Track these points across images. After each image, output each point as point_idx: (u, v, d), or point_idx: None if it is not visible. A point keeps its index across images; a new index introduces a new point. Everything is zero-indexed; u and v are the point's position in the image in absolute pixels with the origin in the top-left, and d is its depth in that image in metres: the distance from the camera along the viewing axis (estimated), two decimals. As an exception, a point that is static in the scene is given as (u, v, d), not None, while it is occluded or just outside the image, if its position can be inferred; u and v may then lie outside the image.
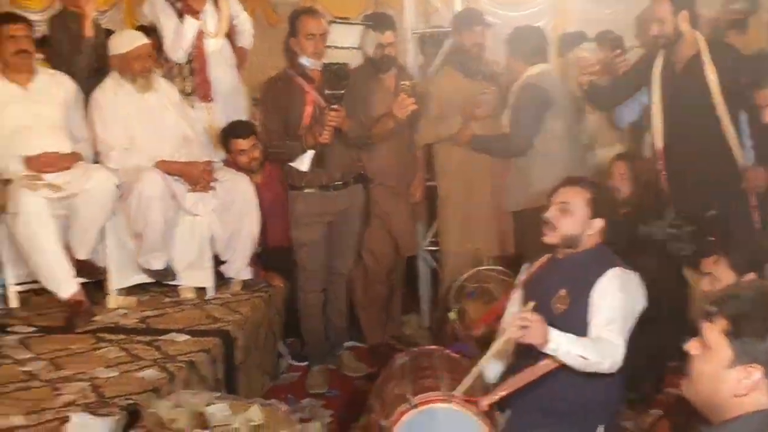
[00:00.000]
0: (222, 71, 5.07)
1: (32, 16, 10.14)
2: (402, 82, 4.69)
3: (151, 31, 4.96)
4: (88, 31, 4.75)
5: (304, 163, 4.42)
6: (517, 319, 2.73)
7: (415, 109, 4.52)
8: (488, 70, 4.90)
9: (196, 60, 4.98)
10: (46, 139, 4.39)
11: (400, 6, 5.66)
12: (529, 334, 2.71)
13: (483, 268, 4.63)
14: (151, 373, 3.47)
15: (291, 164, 4.46)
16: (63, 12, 5.01)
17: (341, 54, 4.26)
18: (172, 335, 3.96)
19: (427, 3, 5.79)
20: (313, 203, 4.52)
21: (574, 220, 3.10)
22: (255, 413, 2.83)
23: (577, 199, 3.12)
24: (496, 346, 2.83)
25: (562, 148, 4.57)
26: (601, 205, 3.13)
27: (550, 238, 3.13)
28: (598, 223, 3.12)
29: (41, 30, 10.17)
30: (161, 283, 4.66)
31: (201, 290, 4.68)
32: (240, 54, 5.23)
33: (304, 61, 4.37)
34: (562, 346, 2.75)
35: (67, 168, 4.35)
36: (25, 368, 3.55)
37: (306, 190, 4.51)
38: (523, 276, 3.40)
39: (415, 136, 4.97)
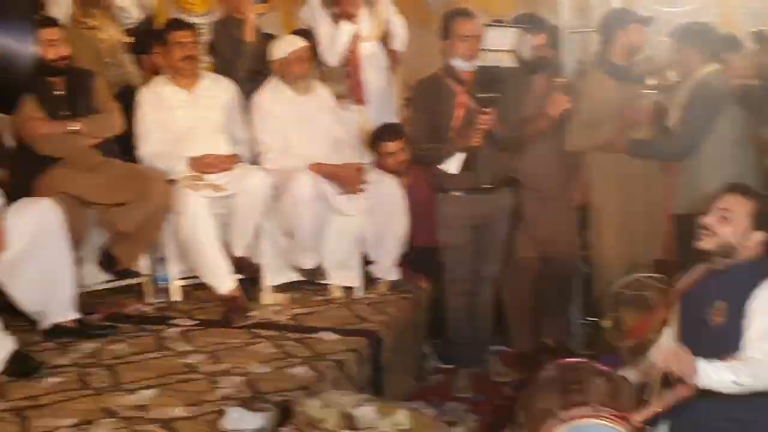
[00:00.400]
0: (375, 74, 5.15)
1: (195, 20, 10.70)
2: (556, 80, 4.59)
3: (308, 34, 5.10)
4: (249, 36, 4.94)
5: (453, 165, 4.40)
6: (665, 353, 2.67)
7: (568, 108, 4.43)
8: (644, 72, 4.72)
9: (350, 63, 5.08)
10: (209, 141, 4.62)
11: (554, 3, 5.55)
12: (677, 368, 2.64)
13: (640, 275, 4.47)
14: (302, 371, 3.57)
15: (439, 167, 4.46)
16: (225, 18, 5.22)
17: (494, 56, 4.20)
18: (322, 334, 4.06)
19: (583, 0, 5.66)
20: (461, 206, 4.50)
21: (732, 230, 2.97)
22: (403, 417, 2.86)
23: (739, 209, 2.98)
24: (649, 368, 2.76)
25: (734, 151, 4.33)
26: (765, 218, 2.99)
27: (705, 243, 3.00)
28: (759, 236, 2.97)
29: (203, 33, 10.64)
30: (312, 281, 4.78)
31: (349, 289, 4.77)
32: (393, 57, 5.30)
33: (456, 62, 4.35)
34: (712, 378, 2.66)
35: (228, 169, 4.56)
36: (186, 360, 3.73)
37: (454, 193, 4.49)
38: (679, 286, 3.27)
39: (565, 144, 4.86)
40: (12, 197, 4.14)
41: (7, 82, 4.19)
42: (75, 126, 4.31)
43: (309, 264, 4.64)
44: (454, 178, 4.44)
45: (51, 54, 4.32)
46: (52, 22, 4.45)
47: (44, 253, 3.76)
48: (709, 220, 3.00)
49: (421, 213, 4.82)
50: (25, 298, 3.76)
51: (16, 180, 4.26)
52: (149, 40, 5.14)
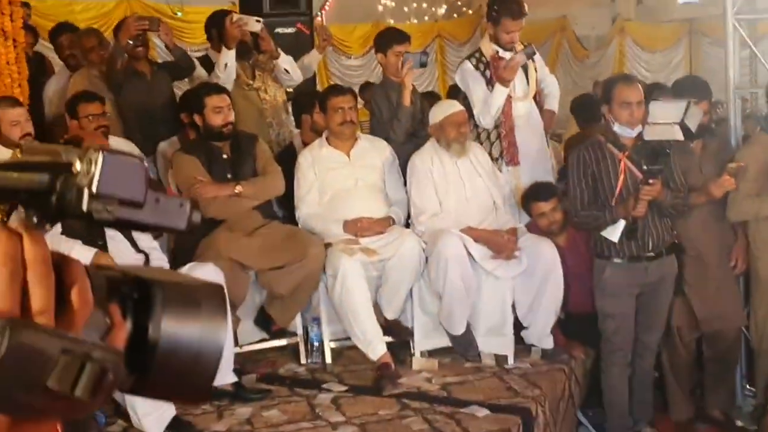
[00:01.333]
0: (529, 134, 5.07)
1: (352, 62, 10.99)
2: (729, 165, 4.37)
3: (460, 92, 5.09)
4: (407, 101, 4.96)
5: (614, 233, 4.26)
6: None
7: (733, 188, 4.24)
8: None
9: (504, 124, 5.02)
10: (365, 202, 4.67)
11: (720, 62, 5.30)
12: None
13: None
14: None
15: (600, 233, 4.33)
16: (384, 80, 5.27)
17: (660, 129, 4.06)
18: (473, 408, 3.98)
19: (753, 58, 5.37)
20: (623, 274, 4.34)
21: None
22: None
23: None
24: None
25: None
26: None
27: None
28: None
29: (358, 74, 10.85)
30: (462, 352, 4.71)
31: (501, 357, 4.67)
32: (547, 116, 5.19)
33: (618, 129, 4.22)
34: None
35: (382, 232, 4.59)
36: (338, 432, 3.76)
37: (615, 260, 4.34)
38: None
39: (728, 212, 4.61)
40: (176, 259, 4.33)
41: None
42: (239, 189, 4.45)
43: (457, 329, 4.58)
44: (614, 245, 4.29)
45: (217, 120, 4.49)
46: (219, 90, 4.62)
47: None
48: None
49: (577, 278, 4.68)
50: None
51: (180, 241, 4.44)
52: (309, 101, 5.26)
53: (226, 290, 0.75)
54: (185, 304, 0.76)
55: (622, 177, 4.23)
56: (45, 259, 0.70)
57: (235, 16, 5.19)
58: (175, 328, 0.76)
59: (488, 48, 5.06)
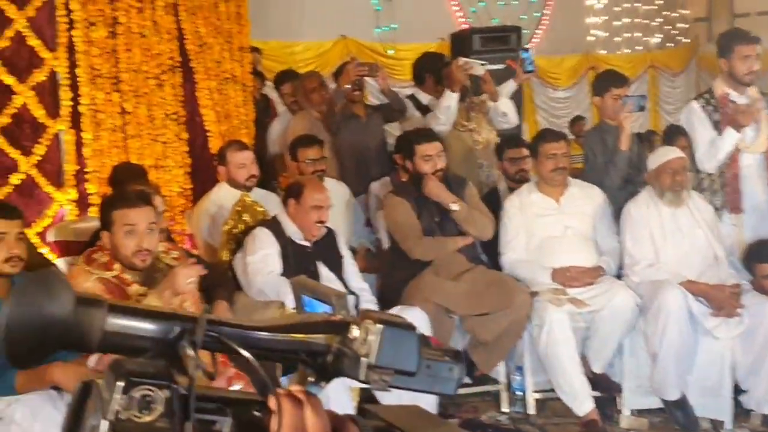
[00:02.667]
0: (757, 185, 4.75)
1: (559, 94, 10.82)
2: None
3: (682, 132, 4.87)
4: (624, 145, 4.80)
5: None
6: None
7: None
8: None
9: (729, 172, 4.74)
10: (574, 251, 4.56)
11: None
12: None
13: None
14: None
15: None
16: (600, 124, 5.15)
17: None
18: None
19: None
20: None
21: None
22: None
23: None
24: None
25: None
26: None
27: None
28: None
29: (565, 107, 10.66)
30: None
31: (718, 422, 4.39)
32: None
33: None
34: None
35: (591, 283, 4.46)
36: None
37: None
38: None
39: None
40: (383, 299, 4.42)
41: None
42: (456, 206, 4.46)
43: (672, 394, 4.35)
44: None
45: (426, 168, 4.54)
46: (430, 137, 4.67)
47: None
48: None
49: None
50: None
51: (388, 283, 4.53)
52: (516, 145, 5.23)
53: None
54: None
55: None
56: (325, 430, 0.73)
57: (461, 60, 5.27)
58: None
59: (720, 88, 4.80)
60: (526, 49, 5.44)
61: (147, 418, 0.68)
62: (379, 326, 0.75)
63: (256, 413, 0.77)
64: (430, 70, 5.51)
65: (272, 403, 0.74)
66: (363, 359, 0.75)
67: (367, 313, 0.78)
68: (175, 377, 0.70)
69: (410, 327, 0.79)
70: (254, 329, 0.78)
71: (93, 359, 2.88)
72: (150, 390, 0.69)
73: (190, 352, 0.73)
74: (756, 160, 4.74)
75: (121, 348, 0.75)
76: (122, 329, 0.74)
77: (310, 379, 0.80)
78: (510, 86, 5.85)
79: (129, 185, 3.99)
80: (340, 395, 3.49)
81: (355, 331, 0.77)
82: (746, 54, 4.66)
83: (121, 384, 0.68)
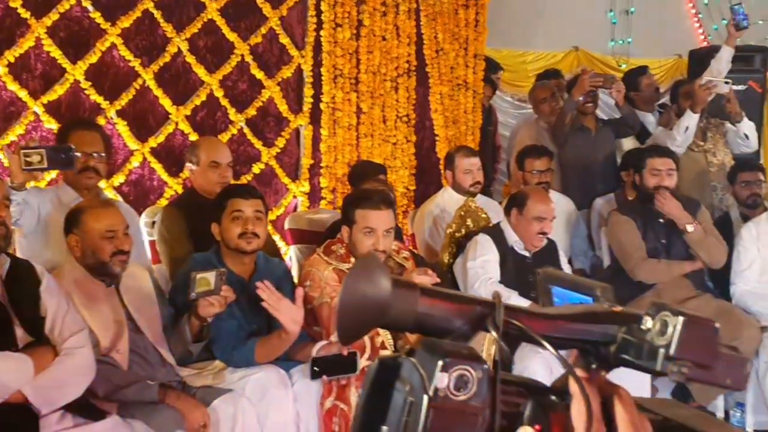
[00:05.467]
0: None
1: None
2: None
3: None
4: None
5: None
6: None
7: None
8: None
9: None
10: None
11: None
12: None
13: None
14: None
15: None
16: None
17: None
18: None
19: None
20: None
21: None
22: None
23: None
24: None
25: None
26: None
27: None
28: None
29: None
30: None
31: None
32: None
33: None
34: None
35: None
36: None
37: None
38: None
39: None
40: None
41: None
42: (691, 227, 4.31)
43: None
44: None
45: (654, 182, 4.41)
46: (663, 153, 4.53)
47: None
48: None
49: None
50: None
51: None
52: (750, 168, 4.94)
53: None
54: None
55: None
56: (634, 422, 0.76)
57: (705, 79, 5.06)
58: None
59: None
60: (738, 3, 5.06)
61: (462, 397, 0.73)
62: (681, 318, 0.77)
63: (554, 398, 0.80)
64: (684, 94, 5.35)
65: (574, 387, 0.77)
66: (661, 350, 0.77)
67: (662, 305, 0.80)
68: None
69: (709, 320, 0.80)
70: (547, 317, 0.82)
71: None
72: (466, 370, 0.73)
73: (495, 334, 0.77)
74: None
75: (430, 328, 0.80)
76: (432, 311, 0.80)
77: (593, 366, 0.82)
78: (727, 53, 5.41)
79: (367, 182, 4.15)
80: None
81: (648, 323, 0.78)
82: None
83: (441, 362, 0.73)
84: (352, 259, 3.35)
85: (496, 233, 4.16)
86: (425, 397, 0.72)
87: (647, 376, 3.99)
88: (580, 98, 5.16)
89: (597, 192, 5.19)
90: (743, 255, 4.43)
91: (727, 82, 5.05)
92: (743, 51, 5.97)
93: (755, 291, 4.36)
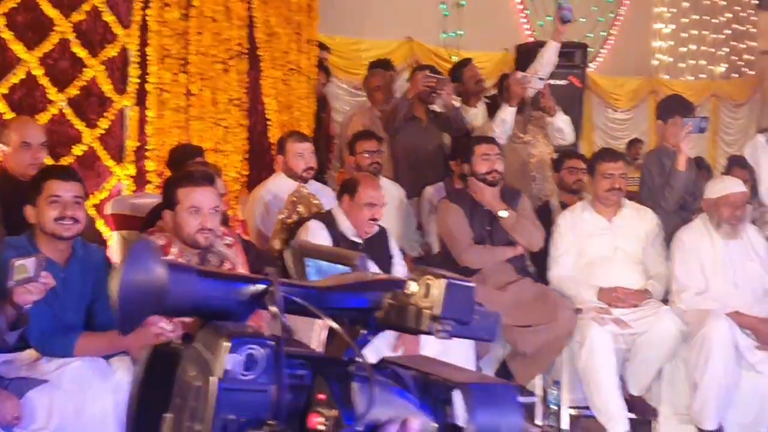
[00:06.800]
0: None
1: (618, 115, 10.74)
2: None
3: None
4: (681, 166, 4.78)
5: None
6: None
7: None
8: None
9: (791, 206, 4.69)
10: (622, 272, 4.54)
11: None
12: None
13: None
14: None
15: None
16: (659, 148, 5.12)
17: None
18: None
19: None
20: None
21: None
22: None
23: None
24: None
25: None
26: None
27: None
28: None
29: (623, 128, 10.57)
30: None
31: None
32: None
33: None
34: None
35: (637, 305, 4.43)
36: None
37: None
38: None
39: None
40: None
41: None
42: (504, 213, 4.47)
43: (710, 425, 4.29)
44: None
45: (484, 167, 4.57)
46: (489, 140, 4.71)
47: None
48: None
49: None
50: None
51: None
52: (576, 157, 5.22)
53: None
54: (489, 404, 0.84)
55: None
56: None
57: (519, 74, 5.27)
58: (480, 424, 0.83)
59: None
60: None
61: (251, 376, 0.72)
62: (443, 281, 0.81)
63: (336, 367, 0.82)
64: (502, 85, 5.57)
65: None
66: (426, 311, 0.81)
67: (424, 270, 0.84)
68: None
69: (467, 280, 0.85)
70: (320, 289, 0.83)
71: (166, 325, 2.93)
72: (253, 349, 0.73)
73: (275, 309, 0.77)
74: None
75: (211, 310, 0.79)
76: (210, 292, 0.79)
77: (363, 331, 0.85)
78: (553, 48, 5.70)
79: (187, 165, 4.06)
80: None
81: (412, 287, 0.82)
82: None
83: (228, 344, 0.72)
84: (174, 249, 3.26)
85: (328, 219, 4.18)
86: (214, 380, 0.71)
87: (472, 357, 4.15)
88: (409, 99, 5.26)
89: (427, 180, 5.32)
90: (559, 242, 4.66)
91: (541, 79, 5.28)
92: (565, 47, 6.27)
93: (570, 276, 4.59)
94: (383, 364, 0.88)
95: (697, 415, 4.28)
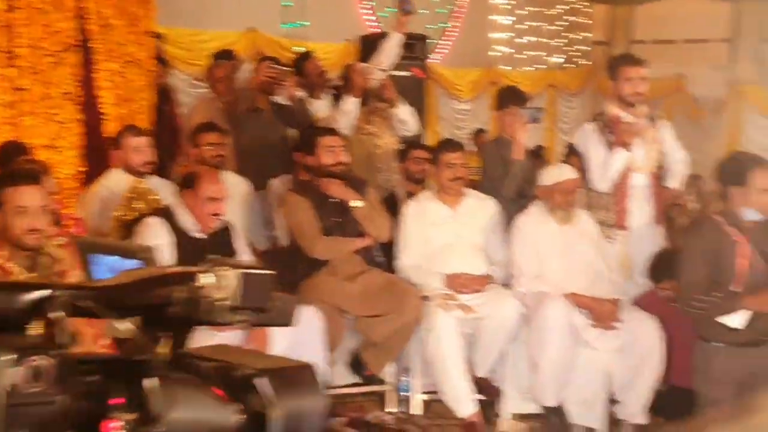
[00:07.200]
0: (641, 205, 4.96)
1: (462, 106, 11.02)
2: None
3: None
4: (518, 155, 4.95)
5: (737, 321, 4.08)
6: None
7: None
8: None
9: (619, 190, 4.93)
10: (466, 259, 4.66)
11: None
12: None
13: None
14: None
15: (717, 319, 4.14)
16: (497, 137, 5.28)
17: None
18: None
19: None
20: (731, 361, 4.15)
21: None
22: None
23: None
24: None
25: None
26: None
27: None
28: None
29: (467, 119, 10.84)
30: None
31: (591, 430, 4.55)
32: (664, 193, 5.05)
33: (747, 213, 4.07)
34: None
35: (481, 290, 4.57)
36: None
37: (723, 346, 4.15)
38: None
39: None
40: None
41: None
42: (357, 202, 4.50)
43: (550, 401, 4.48)
44: (725, 329, 4.11)
45: (329, 159, 4.58)
46: (333, 131, 4.73)
47: (301, 358, 3.95)
48: None
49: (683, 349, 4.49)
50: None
51: (284, 280, 4.51)
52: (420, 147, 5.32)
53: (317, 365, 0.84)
54: (289, 388, 0.84)
55: (744, 262, 4.07)
56: None
57: (360, 65, 5.30)
58: (284, 409, 0.84)
59: (611, 110, 5.00)
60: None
61: (38, 388, 0.70)
62: (237, 271, 0.81)
63: (128, 367, 0.80)
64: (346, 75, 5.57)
65: None
66: (221, 303, 0.80)
67: (216, 261, 0.83)
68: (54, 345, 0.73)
69: (262, 268, 0.85)
70: (108, 289, 0.81)
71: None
72: (38, 360, 0.70)
73: (58, 315, 0.75)
74: (643, 180, 4.95)
75: None
76: None
77: (158, 328, 0.83)
78: (395, 39, 5.78)
79: (12, 164, 3.86)
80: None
81: (203, 279, 0.81)
82: (631, 76, 4.88)
83: (11, 357, 0.69)
84: (3, 253, 3.09)
85: (167, 215, 4.05)
86: (3, 395, 0.68)
87: (321, 349, 4.15)
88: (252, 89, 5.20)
89: (273, 173, 5.27)
90: (405, 231, 4.74)
91: (382, 70, 5.35)
92: (407, 39, 6.36)
93: (417, 264, 4.68)
94: (183, 359, 0.86)
95: (538, 393, 4.47)
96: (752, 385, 4.19)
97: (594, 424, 4.54)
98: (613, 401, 4.60)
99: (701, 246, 4.16)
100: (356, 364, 4.66)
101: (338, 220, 4.60)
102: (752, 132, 12.18)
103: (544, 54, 11.95)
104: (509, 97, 5.22)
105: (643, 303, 4.72)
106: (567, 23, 12.23)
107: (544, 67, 11.90)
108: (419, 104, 7.08)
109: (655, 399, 4.58)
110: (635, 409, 4.56)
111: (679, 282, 4.31)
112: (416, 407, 4.68)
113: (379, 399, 4.76)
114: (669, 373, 4.56)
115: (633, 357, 4.48)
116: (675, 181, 5.12)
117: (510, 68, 11.23)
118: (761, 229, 4.07)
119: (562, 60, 12.29)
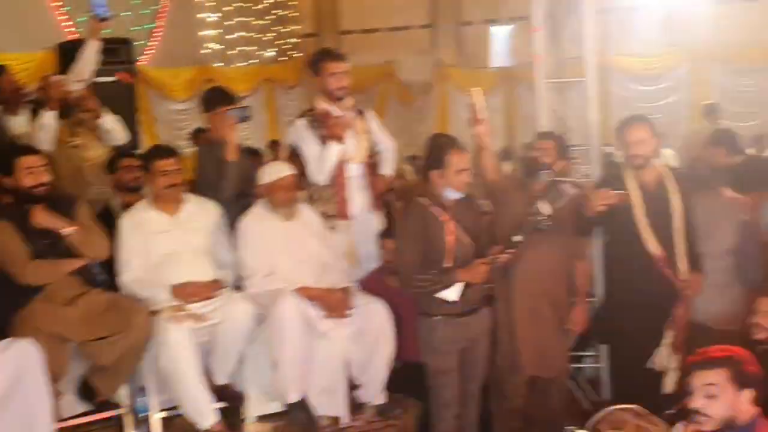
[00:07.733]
0: (358, 194, 5.12)
1: (178, 106, 10.78)
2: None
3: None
4: (231, 155, 4.89)
5: (453, 294, 4.32)
6: None
7: None
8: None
9: (336, 182, 5.05)
10: (192, 266, 4.55)
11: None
12: None
13: (617, 407, 4.34)
14: None
15: (437, 296, 4.35)
16: (209, 139, 5.19)
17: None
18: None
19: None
20: (452, 331, 4.42)
21: (724, 403, 2.98)
22: None
23: (718, 378, 2.99)
24: None
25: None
26: (743, 376, 3.00)
27: (706, 427, 2.97)
28: (748, 395, 2.99)
29: (184, 118, 10.60)
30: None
31: (335, 418, 4.64)
32: (378, 181, 5.24)
33: (448, 193, 4.33)
34: None
35: (211, 297, 4.48)
36: None
37: (442, 317, 4.41)
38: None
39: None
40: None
41: None
42: (69, 229, 4.25)
43: (293, 397, 4.50)
44: (444, 303, 4.35)
45: (30, 181, 4.27)
46: (33, 150, 4.41)
47: (23, 396, 3.71)
48: (698, 403, 2.98)
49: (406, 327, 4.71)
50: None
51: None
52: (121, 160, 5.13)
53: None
54: None
55: (451, 239, 4.33)
56: None
57: (54, 78, 4.99)
58: None
59: (320, 105, 5.09)
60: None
61: None
62: None
63: None
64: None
65: None
66: None
67: None
68: None
69: None
70: None
71: None
72: None
73: None
74: (358, 170, 5.11)
75: None
76: None
77: None
78: (92, 47, 5.51)
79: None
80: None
81: None
82: (334, 71, 5.02)
83: None
84: None
85: None
86: None
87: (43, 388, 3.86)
88: None
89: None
90: (125, 245, 4.54)
91: (79, 81, 5.08)
92: (108, 44, 6.08)
93: (141, 278, 4.50)
94: None
95: (280, 389, 4.48)
96: (472, 349, 4.51)
97: (338, 412, 4.63)
98: (353, 387, 4.72)
99: (412, 228, 4.38)
100: (86, 391, 4.40)
101: (48, 242, 4.30)
102: (457, 109, 13.02)
103: (256, 49, 11.98)
104: (215, 99, 5.14)
105: (368, 286, 4.88)
106: (275, 17, 12.33)
107: (257, 62, 11.93)
108: (130, 109, 6.82)
109: (391, 376, 4.77)
110: (375, 390, 4.71)
111: (398, 263, 4.52)
112: (155, 427, 4.51)
113: (117, 424, 4.53)
114: (400, 351, 4.76)
115: (367, 341, 4.62)
116: (387, 168, 5.34)
117: (223, 65, 11.14)
118: (461, 206, 4.37)
119: (274, 53, 12.39)
